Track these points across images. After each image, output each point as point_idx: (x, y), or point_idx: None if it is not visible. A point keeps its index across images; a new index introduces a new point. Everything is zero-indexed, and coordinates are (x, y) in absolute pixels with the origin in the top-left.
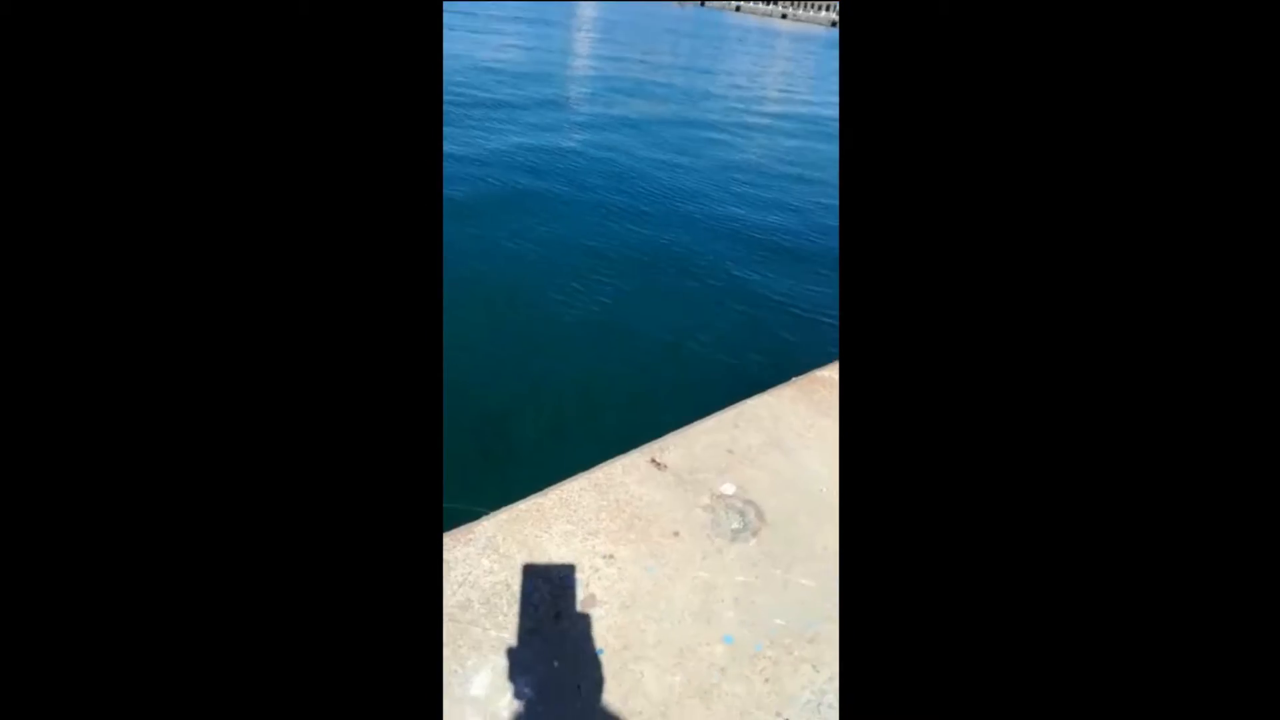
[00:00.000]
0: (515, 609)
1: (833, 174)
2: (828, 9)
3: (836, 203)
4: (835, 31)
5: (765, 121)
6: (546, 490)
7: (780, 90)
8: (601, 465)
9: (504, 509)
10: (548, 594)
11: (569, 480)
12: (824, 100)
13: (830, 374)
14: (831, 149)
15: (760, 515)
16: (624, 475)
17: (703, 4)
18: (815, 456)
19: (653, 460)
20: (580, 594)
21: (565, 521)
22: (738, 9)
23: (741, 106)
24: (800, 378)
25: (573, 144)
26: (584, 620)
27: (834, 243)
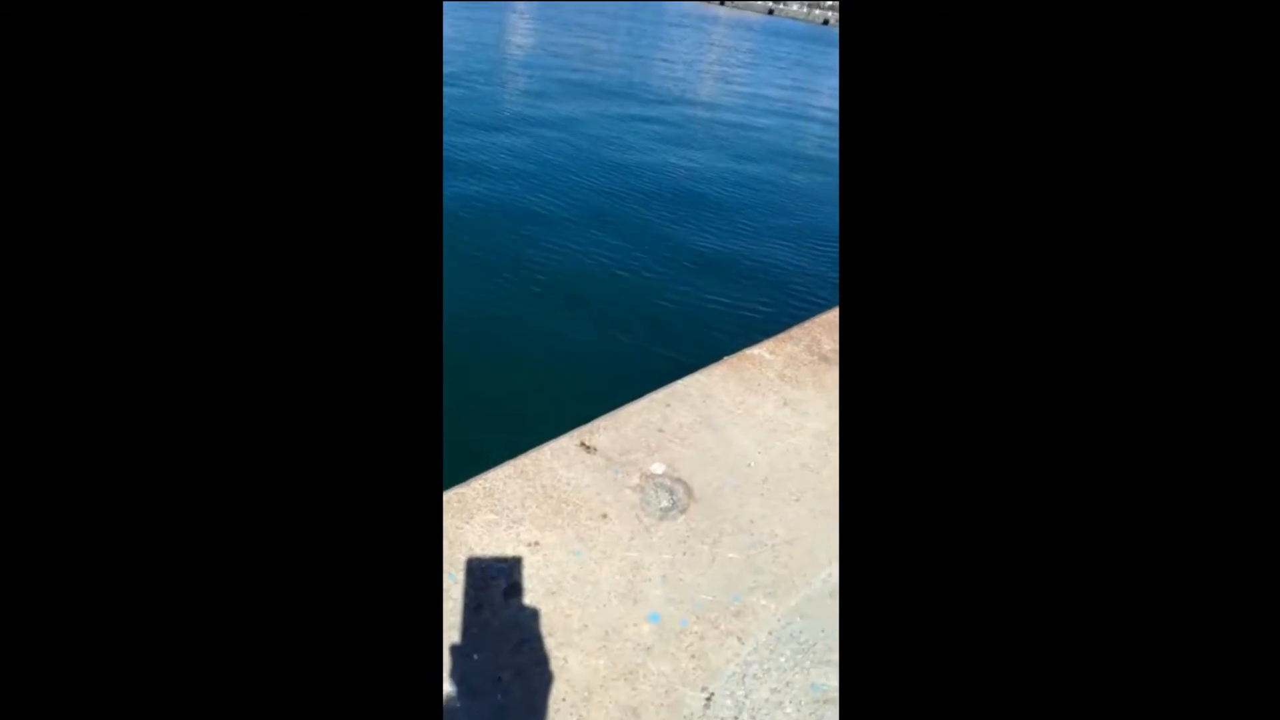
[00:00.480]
0: None
1: (770, 158)
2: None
3: (774, 188)
4: (770, 19)
5: (705, 103)
6: (470, 480)
7: (719, 70)
8: (529, 452)
9: None
10: (469, 587)
11: (494, 469)
12: (764, 79)
13: (759, 351)
14: (773, 125)
15: (689, 492)
16: (552, 460)
17: None
18: (743, 432)
19: (582, 444)
20: (503, 584)
21: (489, 511)
22: None
23: (679, 90)
24: (731, 356)
25: (501, 139)
26: (506, 610)
27: (767, 244)
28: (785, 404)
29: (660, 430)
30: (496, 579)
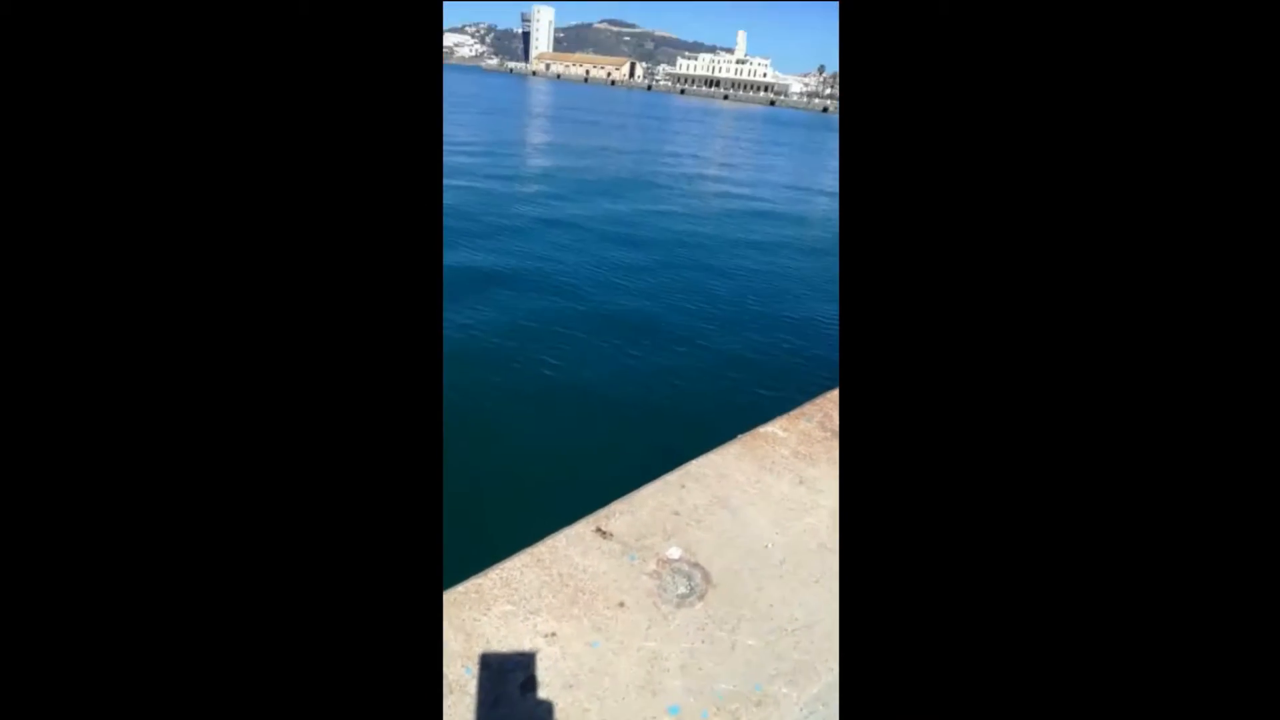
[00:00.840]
0: (450, 699)
1: (775, 244)
2: (765, 90)
3: (771, 270)
4: (772, 109)
5: (711, 190)
6: (487, 570)
7: (724, 159)
8: (545, 539)
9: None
10: (485, 680)
11: (511, 558)
12: (766, 166)
13: (773, 429)
14: (778, 210)
15: (707, 577)
16: (568, 547)
17: (649, 89)
18: (759, 513)
19: (598, 529)
20: (520, 677)
21: (505, 601)
22: (682, 92)
23: (686, 181)
24: (744, 435)
25: (519, 235)
26: (523, 705)
27: (766, 309)
28: (800, 482)
29: (676, 513)
30: (513, 672)
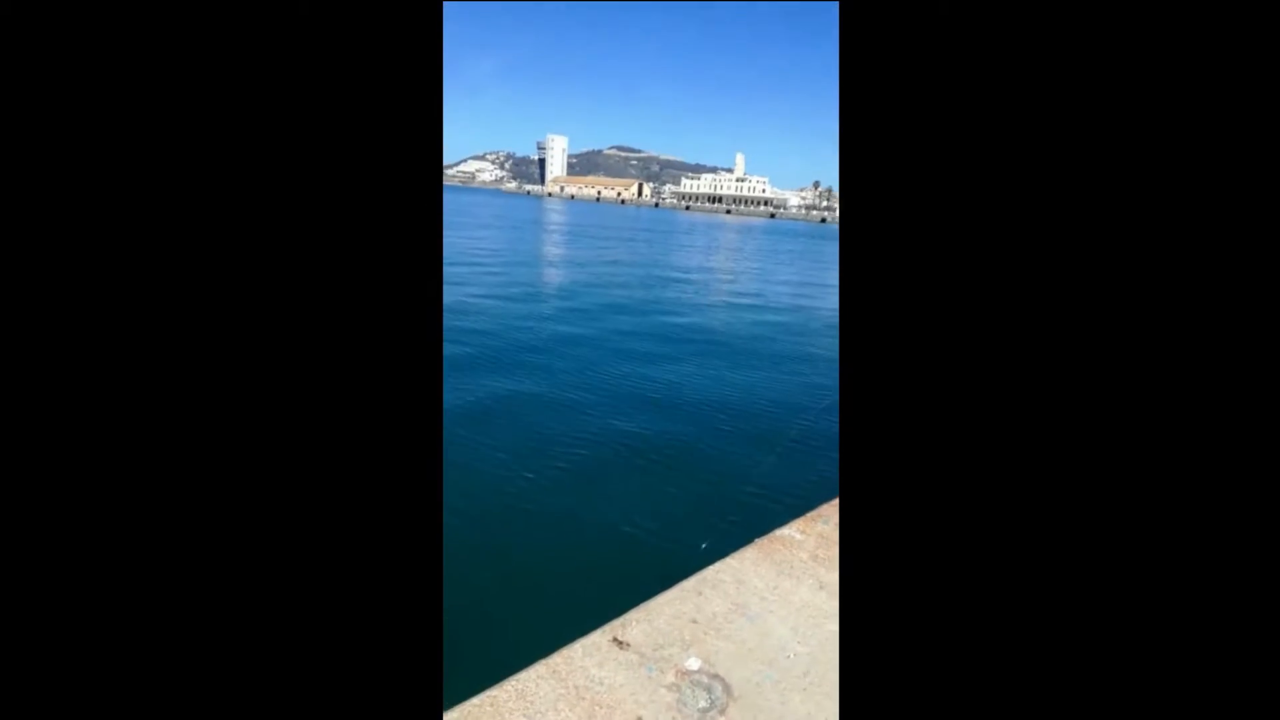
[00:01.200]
0: None
1: (779, 355)
2: (765, 204)
3: (773, 381)
4: (773, 221)
5: (716, 304)
6: (503, 682)
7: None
8: (561, 650)
9: (455, 708)
10: None
11: (525, 669)
12: (769, 274)
13: (790, 532)
14: (782, 320)
15: (728, 690)
16: (584, 658)
17: (656, 205)
18: (779, 620)
19: (614, 639)
20: None
21: (520, 715)
22: (687, 208)
23: (693, 292)
24: (761, 539)
25: (530, 348)
26: None
27: (772, 416)
28: (821, 587)
29: (694, 621)
30: None
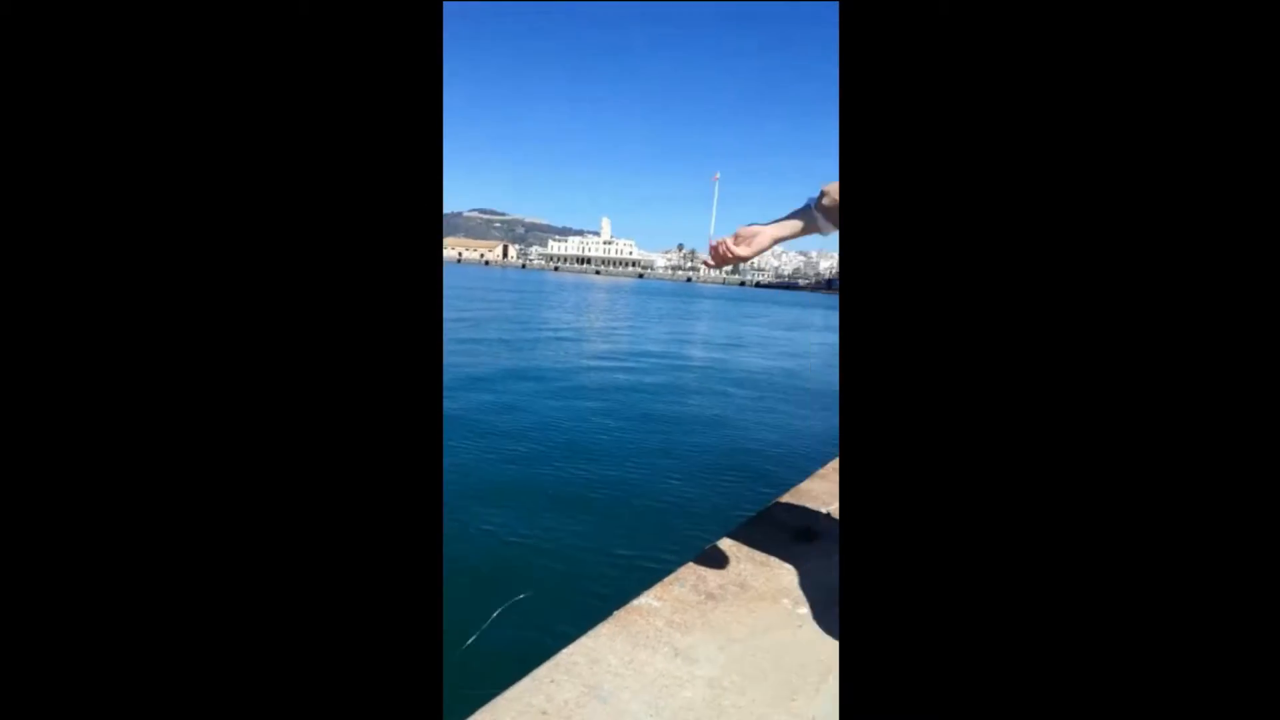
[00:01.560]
0: None
1: (652, 410)
2: (633, 265)
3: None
4: (641, 280)
5: (584, 365)
6: None
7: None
8: None
9: None
10: None
11: None
12: (639, 332)
13: (646, 600)
14: (653, 377)
15: None
16: None
17: (524, 267)
18: (632, 696)
19: None
20: None
21: None
22: (556, 269)
23: (562, 351)
24: (620, 610)
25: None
26: None
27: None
28: (676, 654)
29: (543, 713)
30: None
